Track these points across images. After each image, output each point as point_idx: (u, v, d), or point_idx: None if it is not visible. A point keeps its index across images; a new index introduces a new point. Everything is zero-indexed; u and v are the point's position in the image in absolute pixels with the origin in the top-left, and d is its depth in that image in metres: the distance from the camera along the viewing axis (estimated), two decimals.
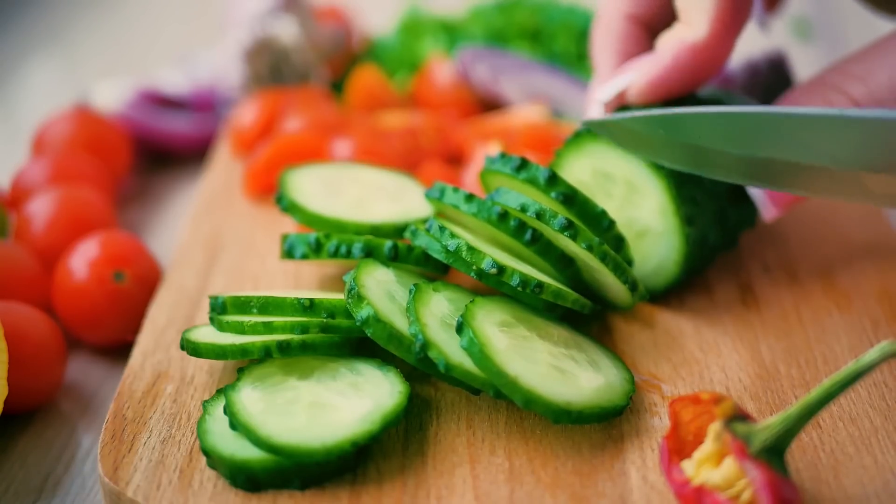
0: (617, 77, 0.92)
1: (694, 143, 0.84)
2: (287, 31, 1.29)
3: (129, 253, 1.02)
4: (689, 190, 0.91)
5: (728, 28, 0.87)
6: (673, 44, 0.89)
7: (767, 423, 0.73)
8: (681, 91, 0.90)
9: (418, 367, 0.81)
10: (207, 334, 0.86)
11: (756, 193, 0.91)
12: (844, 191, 0.81)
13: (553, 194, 0.87)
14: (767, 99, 1.09)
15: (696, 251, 0.92)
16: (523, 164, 0.89)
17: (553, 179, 0.87)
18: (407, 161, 1.16)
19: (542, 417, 0.82)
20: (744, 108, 0.81)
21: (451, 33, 1.40)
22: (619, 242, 0.89)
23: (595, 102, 0.96)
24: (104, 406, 0.96)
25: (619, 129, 0.89)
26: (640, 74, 0.90)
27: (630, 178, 0.91)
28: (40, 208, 1.09)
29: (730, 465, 0.72)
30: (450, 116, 1.25)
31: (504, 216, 0.87)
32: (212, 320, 0.87)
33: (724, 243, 0.96)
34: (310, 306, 0.84)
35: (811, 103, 0.86)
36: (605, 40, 0.96)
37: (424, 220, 0.97)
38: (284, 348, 0.82)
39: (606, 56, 0.96)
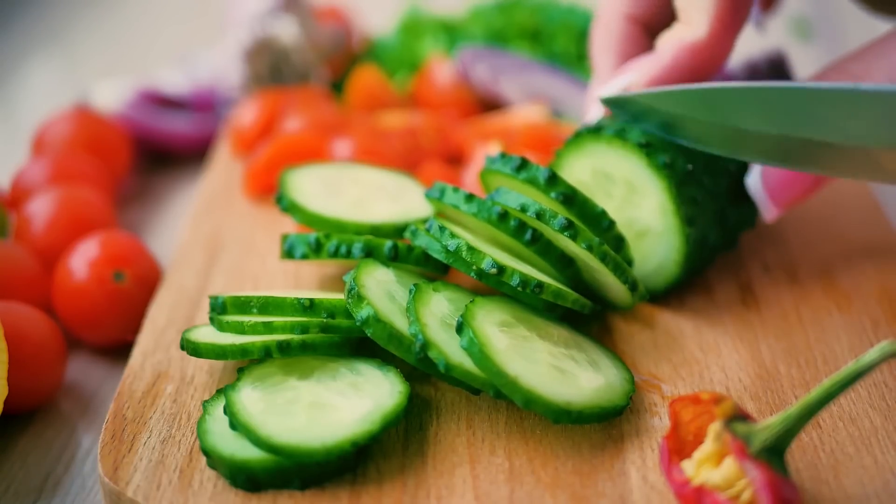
0: (617, 77, 0.92)
1: (707, 120, 0.83)
2: (287, 31, 1.29)
3: (129, 253, 1.02)
4: (689, 190, 0.91)
5: (727, 28, 0.87)
6: (672, 44, 0.89)
7: (767, 423, 0.73)
8: None
9: (418, 367, 0.81)
10: (207, 334, 0.86)
11: (756, 193, 0.91)
12: (857, 169, 0.80)
13: (553, 194, 0.87)
14: None
15: (696, 251, 0.92)
16: (523, 164, 0.89)
17: (553, 179, 0.87)
18: (407, 161, 1.16)
19: (542, 417, 0.82)
20: (751, 84, 0.80)
21: (451, 33, 1.40)
22: (619, 242, 0.89)
23: (595, 103, 0.96)
24: (104, 406, 0.96)
25: (633, 105, 0.88)
26: (639, 74, 0.90)
27: (630, 178, 0.91)
28: (40, 208, 1.09)
29: (730, 465, 0.72)
30: (450, 116, 1.25)
31: (504, 216, 0.87)
32: (212, 320, 0.87)
33: (724, 243, 0.96)
34: (310, 306, 0.84)
35: None
36: (604, 40, 0.96)
37: (424, 220, 0.97)
38: (284, 348, 0.82)
39: (606, 56, 0.96)
